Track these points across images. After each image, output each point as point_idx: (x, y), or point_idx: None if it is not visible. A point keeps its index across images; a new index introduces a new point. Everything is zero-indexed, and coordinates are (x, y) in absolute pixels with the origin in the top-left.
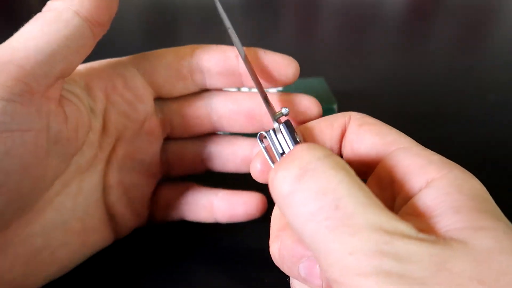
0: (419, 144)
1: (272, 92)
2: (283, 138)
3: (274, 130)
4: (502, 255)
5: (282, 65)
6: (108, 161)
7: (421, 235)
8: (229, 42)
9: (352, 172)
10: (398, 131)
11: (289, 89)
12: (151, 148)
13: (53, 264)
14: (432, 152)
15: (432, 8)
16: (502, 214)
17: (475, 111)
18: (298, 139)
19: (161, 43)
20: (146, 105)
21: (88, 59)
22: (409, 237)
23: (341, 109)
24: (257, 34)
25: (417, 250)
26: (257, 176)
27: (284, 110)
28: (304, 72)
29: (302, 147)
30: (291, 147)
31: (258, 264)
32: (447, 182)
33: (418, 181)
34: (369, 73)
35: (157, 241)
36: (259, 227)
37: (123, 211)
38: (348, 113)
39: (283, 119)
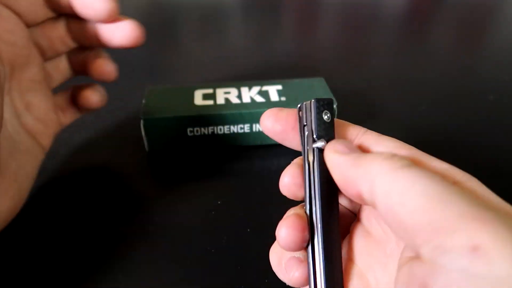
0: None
1: None
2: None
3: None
4: None
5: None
6: (11, 88)
7: None
8: (228, 42)
9: None
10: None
11: (290, 88)
12: (41, 68)
13: None
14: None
15: (432, 8)
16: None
17: (475, 111)
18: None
19: (161, 43)
20: (23, 32)
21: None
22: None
23: (341, 109)
24: (257, 34)
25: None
26: (284, 190)
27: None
28: (304, 72)
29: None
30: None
31: (258, 264)
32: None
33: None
34: (369, 73)
35: (157, 241)
36: (259, 227)
37: (38, 127)
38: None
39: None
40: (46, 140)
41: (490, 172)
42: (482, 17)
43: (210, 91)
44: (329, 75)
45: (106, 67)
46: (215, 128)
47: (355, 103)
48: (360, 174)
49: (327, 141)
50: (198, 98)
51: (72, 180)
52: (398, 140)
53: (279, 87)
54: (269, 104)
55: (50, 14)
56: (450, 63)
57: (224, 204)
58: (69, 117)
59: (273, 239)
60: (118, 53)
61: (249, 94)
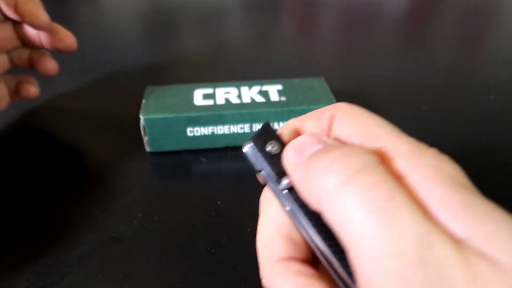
0: (393, 132)
1: None
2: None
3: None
4: None
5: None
6: None
7: (454, 243)
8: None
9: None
10: (380, 120)
11: (290, 88)
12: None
13: None
14: (399, 140)
15: (432, 8)
16: (480, 196)
17: (475, 111)
18: (270, 148)
19: (161, 43)
20: None
21: (89, 59)
22: (446, 243)
23: None
24: (257, 34)
25: (454, 258)
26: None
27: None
28: (304, 72)
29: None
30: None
31: (258, 264)
32: (421, 179)
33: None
34: (369, 73)
35: (157, 241)
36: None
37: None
38: (338, 104)
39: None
40: None
41: (490, 172)
42: (482, 17)
43: (210, 91)
44: (329, 75)
45: (48, 65)
46: (215, 128)
47: (355, 103)
48: (311, 192)
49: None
50: (198, 98)
51: (72, 180)
52: (374, 120)
53: (279, 87)
54: (269, 104)
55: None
56: (450, 63)
57: (224, 204)
58: (3, 103)
59: None
60: (118, 53)
61: (249, 94)
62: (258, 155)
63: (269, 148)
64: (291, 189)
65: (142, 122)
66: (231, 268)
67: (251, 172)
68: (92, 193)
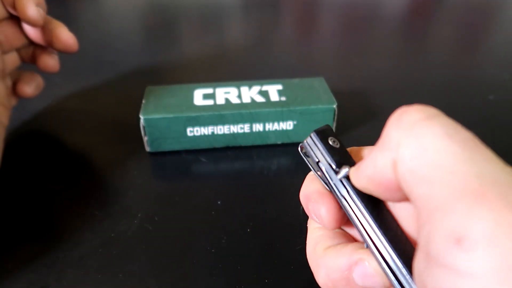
0: None
1: None
2: (317, 148)
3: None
4: None
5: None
6: None
7: None
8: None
9: None
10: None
11: (290, 88)
12: (0, 59)
13: None
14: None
15: (432, 8)
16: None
17: (475, 111)
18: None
19: (161, 43)
20: None
21: (89, 60)
22: None
23: (341, 109)
24: (257, 34)
25: None
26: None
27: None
28: (304, 72)
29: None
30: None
31: (258, 264)
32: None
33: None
34: (369, 73)
35: (157, 241)
36: (259, 227)
37: None
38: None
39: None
40: (4, 118)
41: None
42: (482, 17)
43: (210, 91)
44: (329, 75)
45: (48, 61)
46: (215, 128)
47: (355, 103)
48: (380, 162)
49: (350, 166)
50: (198, 98)
51: (72, 180)
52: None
53: (279, 86)
54: (269, 104)
55: (5, 14)
56: (450, 63)
57: (224, 204)
58: (14, 100)
59: (272, 239)
60: (118, 53)
61: (249, 94)
62: (320, 145)
63: (330, 142)
64: (348, 178)
65: (142, 122)
66: (231, 268)
67: (251, 172)
68: (92, 193)
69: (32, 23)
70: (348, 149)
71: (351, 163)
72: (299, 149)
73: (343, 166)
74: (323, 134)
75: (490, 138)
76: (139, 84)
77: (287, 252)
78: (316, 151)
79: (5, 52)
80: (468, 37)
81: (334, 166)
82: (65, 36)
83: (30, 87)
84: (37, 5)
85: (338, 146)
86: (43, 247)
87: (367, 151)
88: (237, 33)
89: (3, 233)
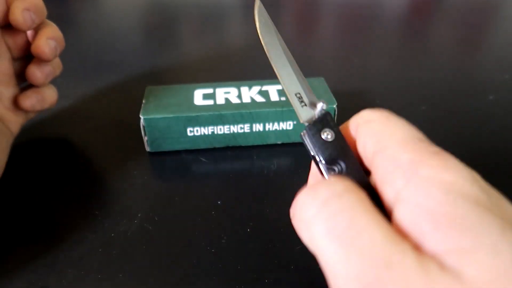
0: (401, 141)
1: None
2: (309, 142)
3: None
4: None
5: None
6: None
7: (418, 260)
8: (228, 42)
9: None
10: (396, 126)
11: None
12: (11, 64)
13: None
14: (405, 149)
15: (432, 8)
16: (479, 218)
17: (475, 111)
18: (325, 137)
19: (162, 43)
20: None
21: (89, 60)
22: (407, 260)
23: (341, 109)
24: (257, 34)
25: (413, 275)
26: None
27: (319, 107)
28: (304, 72)
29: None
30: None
31: (258, 264)
32: (413, 191)
33: (390, 193)
34: (369, 73)
35: (157, 241)
36: (259, 227)
37: (8, 115)
38: (362, 112)
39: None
40: (15, 127)
41: (490, 172)
42: (482, 17)
43: (210, 91)
44: (329, 75)
45: (36, 73)
46: (215, 128)
47: (355, 103)
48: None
49: (344, 159)
50: (198, 98)
51: (72, 180)
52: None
53: (279, 87)
54: (269, 104)
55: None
56: (450, 63)
57: (224, 204)
58: (32, 112)
59: (272, 239)
60: (118, 54)
61: (249, 94)
62: (312, 140)
63: (323, 136)
64: (341, 174)
65: (142, 122)
66: (231, 268)
67: (251, 172)
68: (92, 193)
69: (17, 26)
70: (340, 126)
71: (345, 155)
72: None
73: (336, 165)
74: (318, 127)
75: (490, 138)
76: (139, 84)
77: (287, 252)
78: (309, 146)
79: (14, 59)
80: (468, 37)
81: (323, 162)
82: (38, 42)
83: (28, 100)
84: (28, 9)
85: (331, 139)
86: (43, 247)
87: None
88: (237, 33)
89: (3, 233)
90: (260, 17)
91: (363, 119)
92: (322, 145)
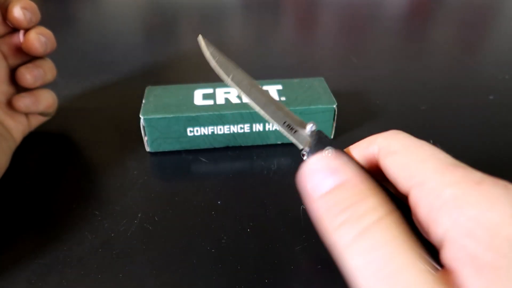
0: (437, 169)
1: None
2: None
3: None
4: None
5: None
6: None
7: None
8: (228, 42)
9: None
10: (425, 152)
11: (290, 88)
12: (8, 70)
13: None
14: (444, 181)
15: (432, 8)
16: None
17: (475, 111)
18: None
19: (161, 43)
20: None
21: (89, 60)
22: None
23: (341, 109)
24: (257, 34)
25: None
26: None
27: (308, 129)
28: (304, 72)
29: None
30: None
31: (258, 264)
32: (459, 233)
33: (438, 232)
34: (369, 73)
35: (157, 241)
36: (259, 227)
37: (10, 122)
38: (384, 137)
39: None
40: (17, 135)
41: (490, 171)
42: (482, 17)
43: (210, 91)
44: (329, 75)
45: (25, 75)
46: (215, 128)
47: (355, 103)
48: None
49: None
50: (198, 98)
51: (72, 180)
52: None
53: (279, 87)
54: None
55: (8, 29)
56: (450, 63)
57: (224, 204)
58: (34, 120)
59: (272, 239)
60: (118, 53)
61: None
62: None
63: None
64: None
65: (142, 122)
66: (231, 268)
67: (251, 172)
68: (92, 193)
69: (15, 24)
70: (346, 149)
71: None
72: (301, 155)
73: None
74: (318, 148)
75: (490, 138)
76: (139, 84)
77: (287, 252)
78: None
79: (10, 66)
80: (468, 37)
81: None
82: (28, 36)
83: (22, 101)
84: (25, 8)
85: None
86: (43, 247)
87: (356, 151)
88: (237, 33)
89: (2, 233)
90: (216, 61)
91: (385, 151)
92: None
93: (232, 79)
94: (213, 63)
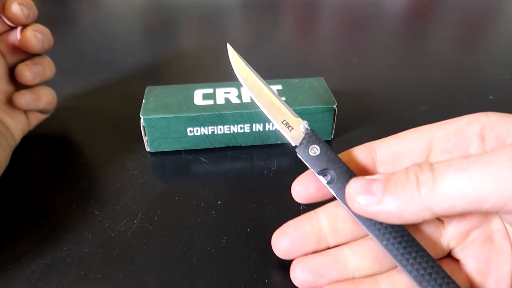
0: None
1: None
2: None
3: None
4: None
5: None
6: None
7: None
8: (228, 42)
9: None
10: None
11: (290, 88)
12: (6, 69)
13: None
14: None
15: (432, 8)
16: None
17: (475, 111)
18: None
19: (161, 43)
20: None
21: (89, 59)
22: None
23: (341, 109)
24: (257, 34)
25: None
26: (298, 198)
27: (302, 128)
28: (304, 72)
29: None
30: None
31: (258, 264)
32: None
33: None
34: (369, 73)
35: (157, 241)
36: (259, 227)
37: (9, 121)
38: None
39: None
40: (16, 133)
41: None
42: (482, 17)
43: (210, 91)
44: (329, 75)
45: (24, 72)
46: (215, 128)
47: (355, 103)
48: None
49: (334, 171)
50: (198, 98)
51: (72, 179)
52: (412, 130)
53: (279, 87)
54: None
55: (6, 27)
56: (450, 63)
57: (224, 204)
58: (33, 118)
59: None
60: (118, 53)
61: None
62: (303, 158)
63: (310, 153)
64: (329, 183)
65: (142, 122)
66: (231, 268)
67: (251, 172)
68: (92, 193)
69: (13, 20)
70: (340, 154)
71: (333, 164)
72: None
73: (327, 170)
74: (306, 145)
75: None
76: (139, 84)
77: None
78: (303, 161)
79: (9, 64)
80: (468, 37)
81: (316, 174)
82: (25, 33)
83: (22, 98)
84: (22, 4)
85: (318, 153)
86: (43, 246)
87: (364, 153)
88: (237, 33)
89: (2, 232)
90: (236, 63)
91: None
92: (311, 160)
93: (246, 81)
94: (233, 64)
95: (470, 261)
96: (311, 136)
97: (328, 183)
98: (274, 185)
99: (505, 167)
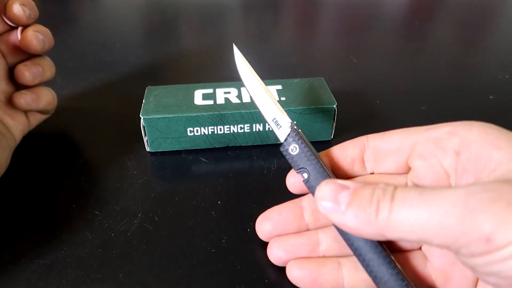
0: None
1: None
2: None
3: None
4: None
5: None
6: None
7: None
8: (228, 42)
9: None
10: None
11: (289, 88)
12: (6, 70)
13: None
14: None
15: (432, 8)
16: None
17: (475, 111)
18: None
19: (161, 43)
20: None
21: (89, 59)
22: None
23: (341, 109)
24: (257, 34)
25: None
26: (291, 188)
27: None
28: (304, 72)
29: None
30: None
31: (258, 264)
32: None
33: None
34: (369, 73)
35: (157, 241)
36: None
37: (9, 121)
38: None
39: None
40: (17, 133)
41: None
42: (483, 17)
43: (210, 91)
44: (329, 75)
45: (24, 73)
46: (215, 128)
47: (355, 103)
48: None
49: (309, 170)
50: (198, 98)
51: (72, 179)
52: (400, 130)
53: (279, 87)
54: None
55: (6, 27)
56: (450, 63)
57: (224, 204)
58: (34, 119)
59: None
60: (118, 53)
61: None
62: (285, 154)
63: (291, 151)
64: (306, 182)
65: (142, 122)
66: (231, 268)
67: (251, 172)
68: (92, 193)
69: (15, 20)
70: (336, 147)
71: (310, 163)
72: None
73: (303, 168)
74: (288, 143)
75: None
76: (139, 84)
77: None
78: (286, 158)
79: (9, 64)
80: (468, 37)
81: (296, 172)
82: (26, 33)
83: (23, 98)
84: (24, 5)
85: (296, 151)
86: (43, 247)
87: (353, 147)
88: (237, 33)
89: (3, 233)
90: (239, 61)
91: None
92: (291, 157)
93: (246, 80)
94: (237, 65)
95: (436, 260)
96: (293, 135)
97: (304, 181)
98: (274, 185)
99: (452, 210)
